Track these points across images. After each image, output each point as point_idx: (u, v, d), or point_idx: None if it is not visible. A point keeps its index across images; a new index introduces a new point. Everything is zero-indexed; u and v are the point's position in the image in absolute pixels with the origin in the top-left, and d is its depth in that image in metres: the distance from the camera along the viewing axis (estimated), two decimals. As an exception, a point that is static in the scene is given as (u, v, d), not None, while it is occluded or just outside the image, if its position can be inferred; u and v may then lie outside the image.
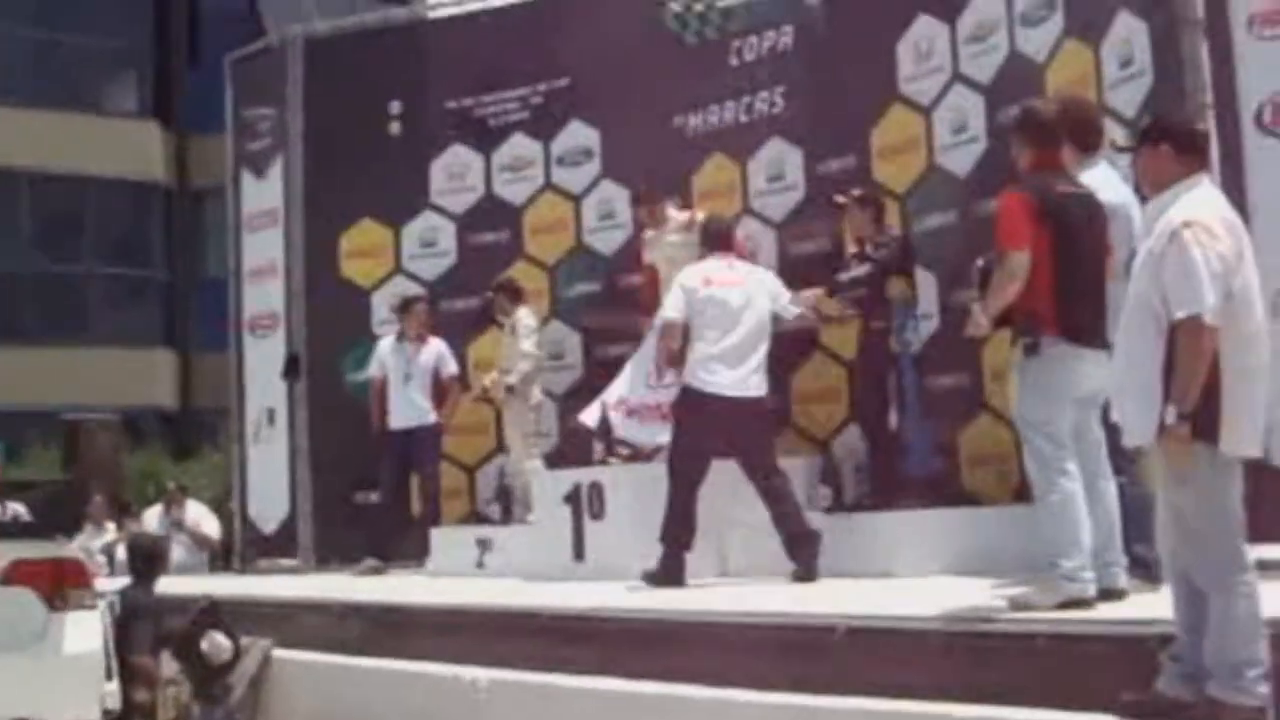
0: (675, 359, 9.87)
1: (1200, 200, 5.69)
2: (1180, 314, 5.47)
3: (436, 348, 12.92)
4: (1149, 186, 5.97)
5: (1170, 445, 5.47)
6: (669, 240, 11.22)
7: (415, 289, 13.63)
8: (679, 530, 9.49)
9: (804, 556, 9.28)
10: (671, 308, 9.84)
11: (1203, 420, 5.45)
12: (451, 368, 12.98)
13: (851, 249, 10.66)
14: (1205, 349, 5.44)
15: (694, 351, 9.69)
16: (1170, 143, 5.87)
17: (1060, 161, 7.30)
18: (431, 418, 12.73)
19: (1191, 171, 5.80)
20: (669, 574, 9.35)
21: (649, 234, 11.52)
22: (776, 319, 9.99)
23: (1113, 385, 6.11)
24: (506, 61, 13.57)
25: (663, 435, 10.56)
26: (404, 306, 13.01)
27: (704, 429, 9.64)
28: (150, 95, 32.55)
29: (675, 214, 11.33)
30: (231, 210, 15.16)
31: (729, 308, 9.70)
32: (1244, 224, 6.14)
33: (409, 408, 12.64)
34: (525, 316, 12.49)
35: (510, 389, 12.27)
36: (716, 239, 10.15)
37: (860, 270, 10.35)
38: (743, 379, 9.62)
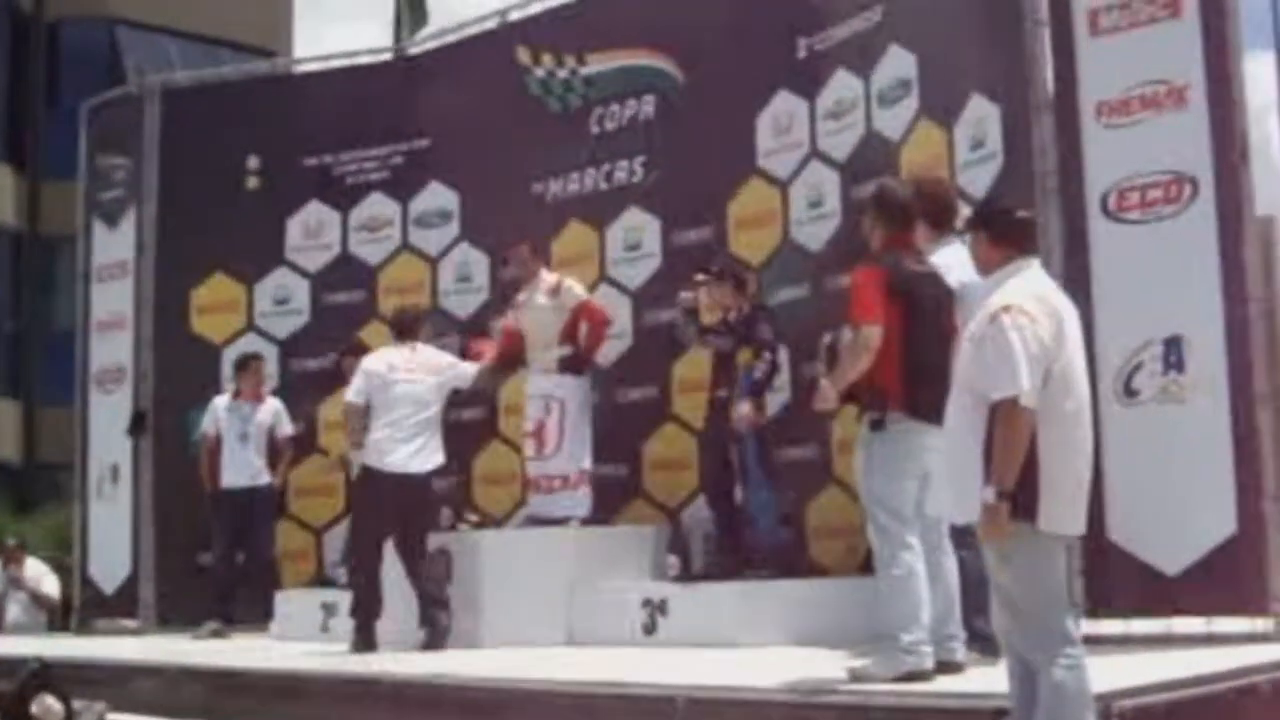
0: (358, 439, 10.54)
1: (1021, 285, 5.81)
2: (996, 395, 5.58)
3: (273, 406, 12.85)
4: (978, 270, 6.11)
5: (987, 524, 5.58)
6: (538, 304, 11.23)
7: (267, 346, 13.57)
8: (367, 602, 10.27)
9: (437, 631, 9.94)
10: (354, 392, 10.60)
11: (1021, 499, 5.55)
12: (287, 428, 12.90)
13: (717, 316, 10.69)
14: (1021, 430, 5.54)
15: (372, 432, 10.40)
16: (987, 230, 6.02)
17: (912, 240, 7.43)
18: (266, 478, 12.62)
19: (1011, 257, 5.92)
20: (365, 643, 10.07)
21: (522, 295, 11.41)
22: (458, 392, 10.96)
23: (941, 465, 6.24)
24: (367, 120, 13.59)
25: (568, 506, 10.81)
26: (242, 364, 12.89)
27: (377, 504, 10.36)
28: (3, 138, 31.98)
29: (546, 275, 11.33)
30: (81, 260, 14.86)
31: (406, 392, 10.44)
32: (1085, 308, 6.31)
33: (245, 467, 12.51)
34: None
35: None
36: (403, 327, 10.89)
37: (721, 342, 10.43)
38: (409, 457, 10.34)
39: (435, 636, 9.92)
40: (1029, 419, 5.55)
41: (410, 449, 10.37)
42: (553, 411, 11.00)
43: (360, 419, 10.54)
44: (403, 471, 10.32)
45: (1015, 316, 5.65)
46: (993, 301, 5.78)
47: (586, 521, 10.93)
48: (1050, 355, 5.63)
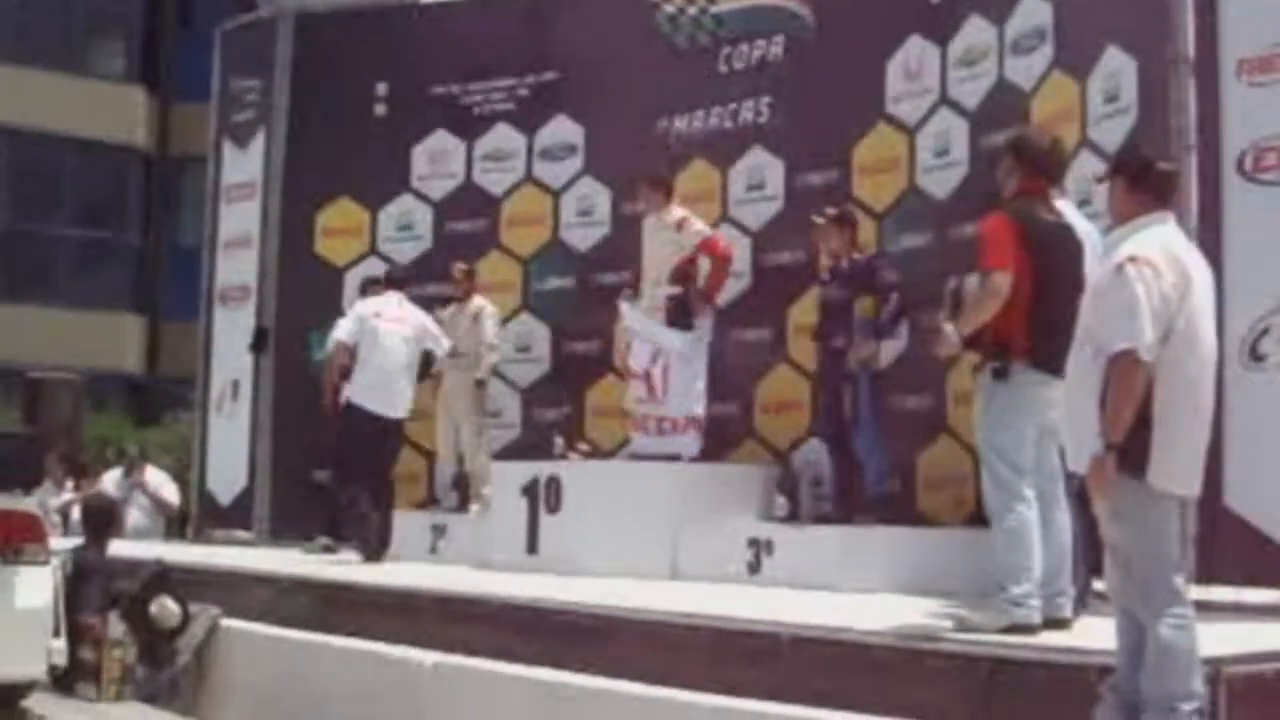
0: (344, 375, 11.52)
1: (1151, 237, 5.74)
2: (1116, 347, 5.52)
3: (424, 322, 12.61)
4: (1112, 219, 6.04)
5: (1095, 476, 5.52)
6: (659, 235, 11.24)
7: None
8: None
9: (374, 541, 11.18)
10: (346, 332, 11.57)
11: (1132, 454, 5.51)
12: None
13: (825, 264, 10.68)
14: (1135, 383, 5.49)
15: (357, 373, 11.38)
16: (1126, 178, 5.94)
17: (1046, 190, 7.33)
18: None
19: (1148, 209, 5.85)
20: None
21: (649, 220, 11.40)
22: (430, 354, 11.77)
23: (1060, 415, 6.18)
24: (496, 51, 13.57)
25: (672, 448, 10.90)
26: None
27: (358, 440, 11.34)
28: (137, 60, 32.36)
29: (675, 209, 11.29)
30: (210, 180, 15.11)
31: (391, 340, 11.45)
32: (1215, 269, 6.20)
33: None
34: (488, 304, 12.54)
35: (480, 383, 12.28)
36: (393, 281, 12.02)
37: (833, 289, 10.40)
38: (390, 402, 11.36)
39: (370, 553, 11.14)
40: (1145, 372, 5.49)
41: (389, 394, 11.41)
42: (659, 362, 11.04)
43: (347, 357, 11.49)
44: (381, 414, 11.38)
45: (1140, 268, 5.58)
46: (1120, 251, 5.71)
47: (698, 457, 10.95)
48: (1173, 310, 5.56)
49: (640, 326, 11.20)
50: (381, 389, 11.43)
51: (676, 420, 10.98)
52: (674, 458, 10.88)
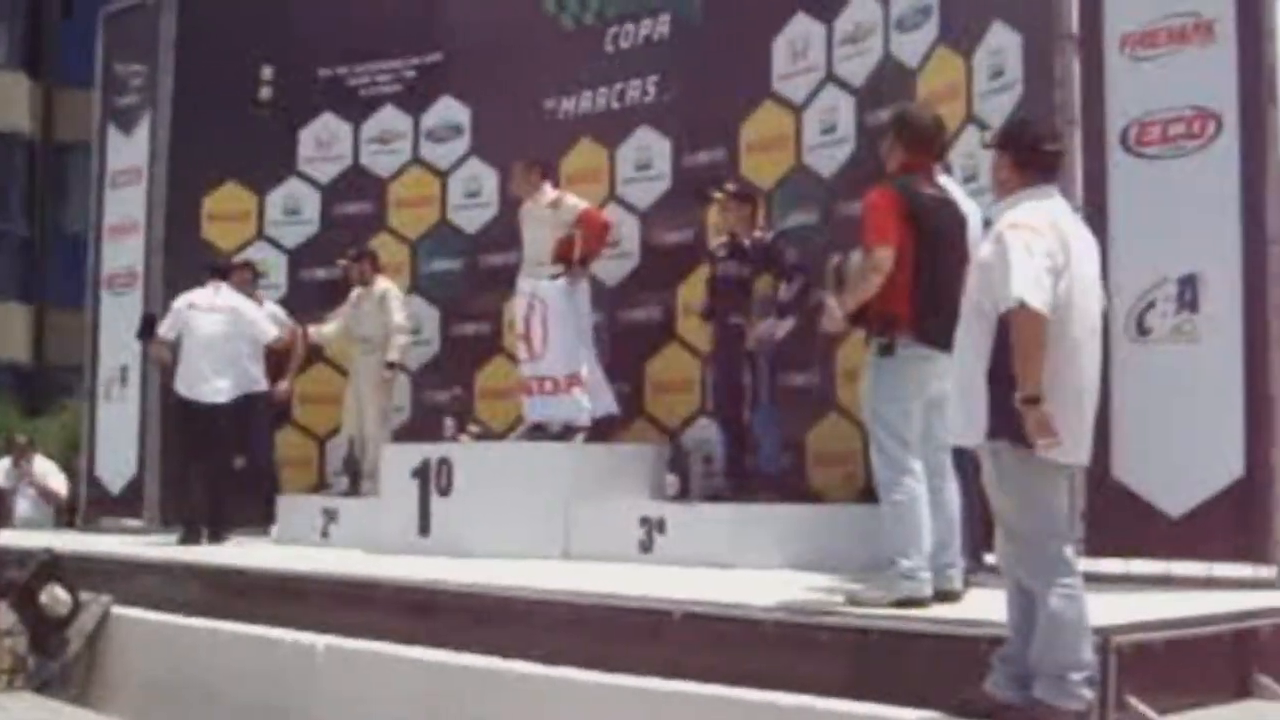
0: (166, 366, 12.10)
1: (1033, 209, 5.78)
2: (1006, 306, 5.55)
3: (269, 310, 12.83)
4: (996, 191, 6.08)
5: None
6: (536, 215, 11.23)
7: (276, 255, 13.68)
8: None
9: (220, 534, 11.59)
10: (165, 327, 11.94)
11: (1019, 425, 5.53)
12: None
13: (721, 241, 10.68)
14: (1033, 334, 5.51)
15: (179, 363, 11.78)
16: (1011, 151, 5.97)
17: (929, 166, 7.34)
18: (262, 385, 12.42)
19: (1031, 183, 5.89)
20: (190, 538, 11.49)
21: (526, 205, 11.40)
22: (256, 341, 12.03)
23: (947, 390, 6.22)
24: (381, 33, 13.47)
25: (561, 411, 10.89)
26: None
27: (183, 427, 11.92)
28: (19, 45, 31.91)
29: (548, 190, 11.28)
30: (96, 166, 14.91)
31: (205, 329, 11.74)
32: (1101, 243, 6.24)
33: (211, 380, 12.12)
34: (393, 286, 12.47)
35: (392, 365, 12.24)
36: (214, 271, 12.24)
37: (731, 266, 10.40)
38: (206, 389, 11.64)
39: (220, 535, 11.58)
40: (1040, 323, 5.51)
41: (207, 383, 11.71)
42: (536, 310, 11.04)
43: (167, 351, 11.94)
44: (198, 401, 11.69)
45: (1021, 232, 5.63)
46: (1000, 221, 5.76)
47: (591, 436, 10.92)
48: (1057, 274, 5.58)
49: (519, 288, 11.23)
50: (197, 377, 11.75)
51: (558, 379, 10.95)
52: (568, 427, 10.88)
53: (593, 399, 11.02)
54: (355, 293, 12.49)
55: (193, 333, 11.81)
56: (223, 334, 11.83)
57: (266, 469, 12.80)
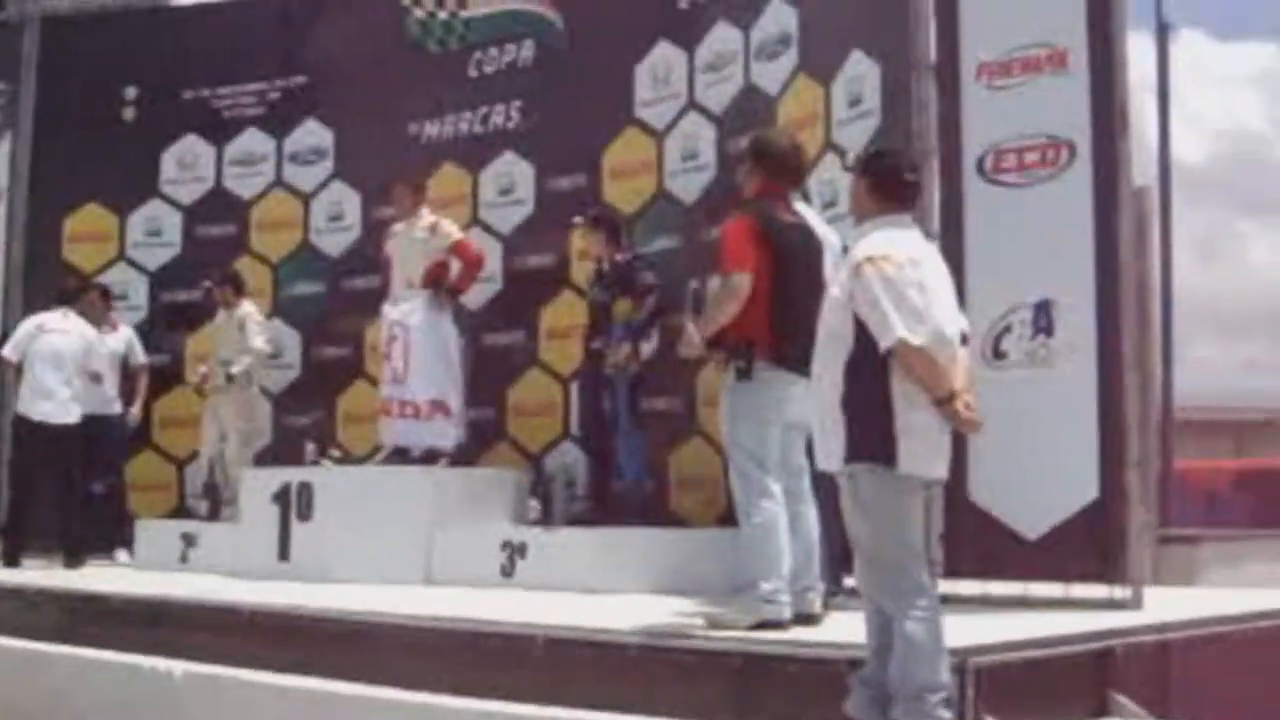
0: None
1: (888, 238, 5.86)
2: (888, 344, 5.63)
3: (125, 335, 12.79)
4: (853, 216, 6.16)
5: (960, 423, 5.72)
6: (412, 236, 11.17)
7: (137, 277, 13.50)
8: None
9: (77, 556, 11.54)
10: (9, 348, 11.94)
11: (876, 444, 5.63)
12: (141, 357, 12.87)
13: (591, 267, 10.71)
14: (922, 364, 5.63)
15: (24, 384, 11.80)
16: (869, 181, 6.05)
17: (786, 192, 7.41)
18: (117, 407, 12.47)
19: (888, 211, 5.97)
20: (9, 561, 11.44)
21: (398, 226, 11.36)
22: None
23: (805, 415, 6.28)
24: (246, 55, 13.35)
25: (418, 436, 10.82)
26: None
27: (25, 449, 11.86)
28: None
29: (426, 213, 11.24)
30: (-46, 185, 14.62)
31: (51, 350, 11.77)
32: (957, 269, 6.32)
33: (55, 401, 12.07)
34: (254, 310, 12.37)
35: (230, 378, 12.14)
36: (62, 295, 12.24)
37: (595, 291, 10.47)
38: (51, 410, 11.69)
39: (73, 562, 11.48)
40: (925, 354, 5.63)
41: (50, 402, 11.73)
42: (398, 338, 10.98)
43: (11, 373, 12.02)
44: (42, 421, 11.70)
45: (879, 265, 5.70)
46: (856, 253, 5.84)
47: (453, 461, 10.89)
48: (914, 299, 5.67)
49: (386, 316, 11.16)
50: (42, 397, 11.75)
51: (419, 404, 10.88)
52: (431, 453, 10.83)
53: (454, 428, 10.97)
54: (219, 317, 12.44)
55: (42, 354, 11.80)
56: (71, 356, 11.82)
57: (115, 493, 12.59)
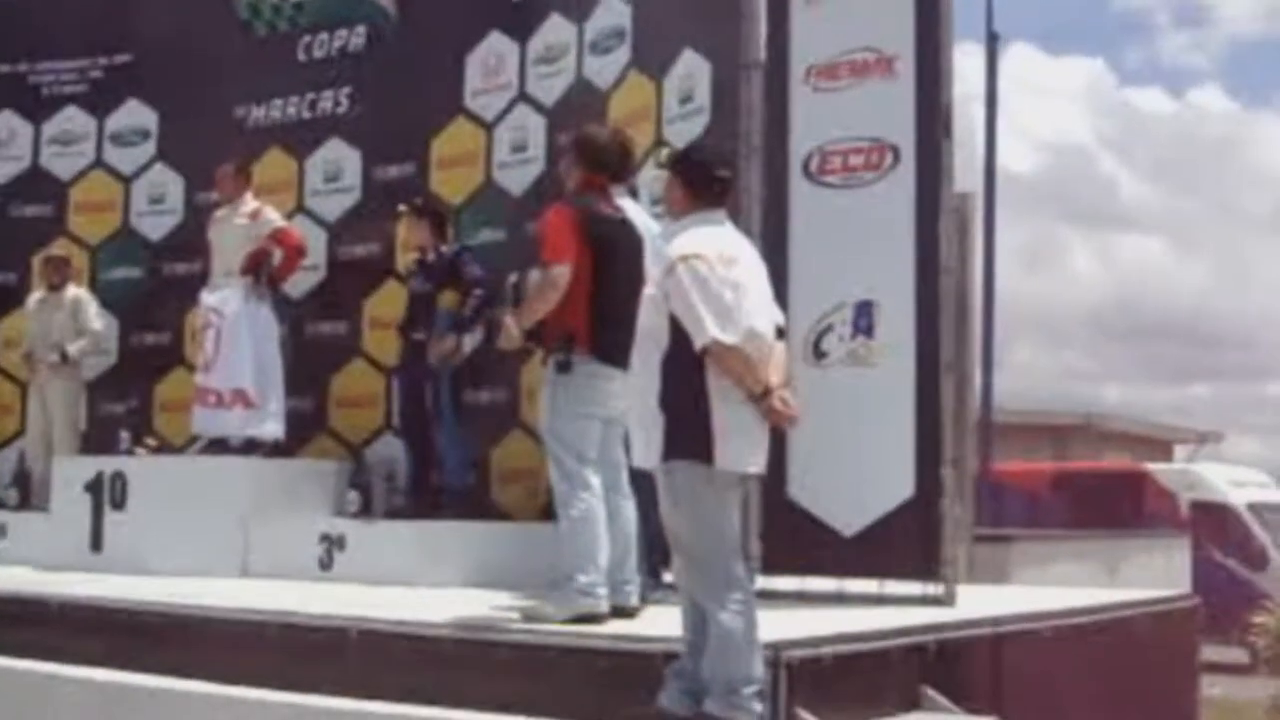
0: None
1: (702, 235, 5.90)
2: (699, 345, 5.68)
3: None
4: (668, 213, 6.22)
5: (775, 417, 5.76)
6: (233, 223, 11.02)
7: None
8: None
9: None
10: None
11: (693, 440, 5.68)
12: None
13: (413, 257, 10.63)
14: (736, 364, 5.68)
15: None
16: (682, 178, 6.09)
17: (607, 185, 7.43)
18: None
19: (701, 208, 6.01)
20: None
21: (220, 212, 11.19)
22: None
23: (624, 409, 6.31)
24: (67, 29, 13.02)
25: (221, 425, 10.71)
26: None
27: None
28: None
29: (250, 199, 11.11)
30: None
31: None
32: (781, 267, 6.36)
33: None
34: (85, 293, 12.13)
35: (65, 358, 11.86)
36: None
37: (417, 282, 10.40)
38: None
39: None
40: (738, 352, 5.68)
41: None
42: (212, 325, 10.85)
43: None
44: None
45: (691, 263, 5.75)
46: (670, 250, 5.89)
47: (272, 451, 10.77)
48: (728, 298, 5.71)
49: (203, 302, 11.02)
50: None
51: (222, 393, 10.74)
52: (251, 443, 10.71)
53: (262, 421, 10.81)
54: (36, 296, 12.11)
55: None
56: None
57: None
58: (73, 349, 11.89)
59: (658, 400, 5.77)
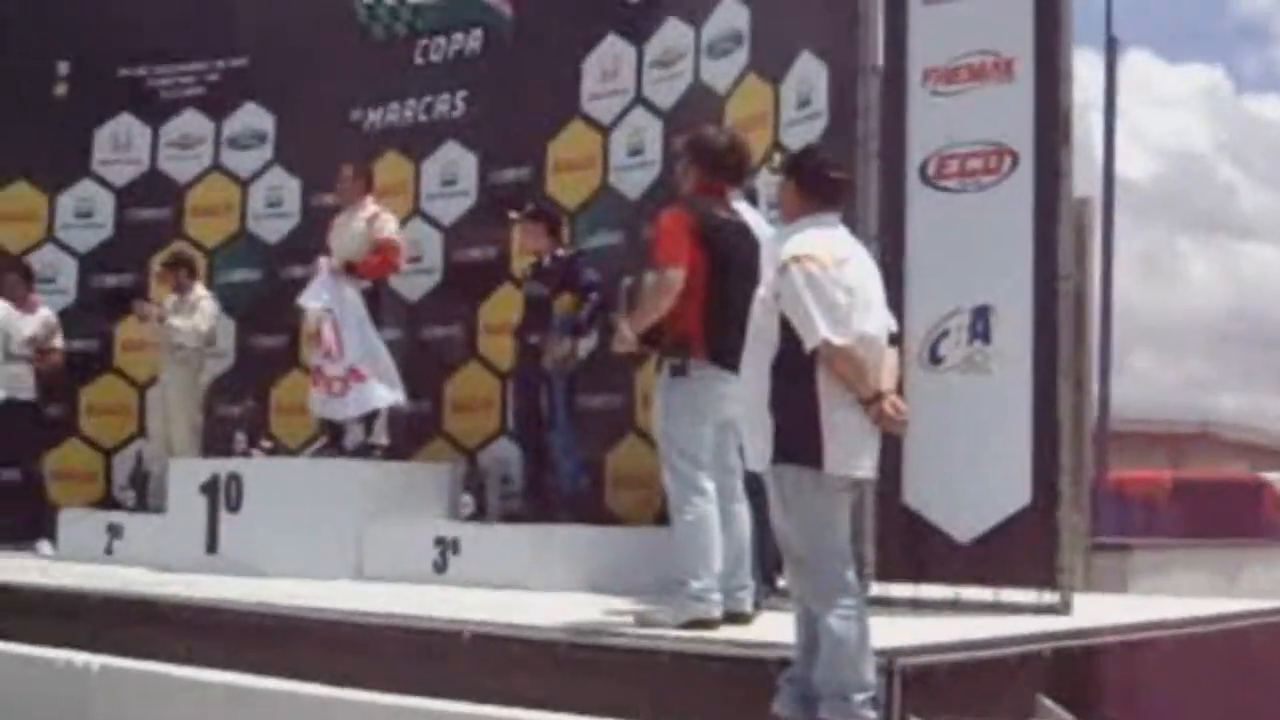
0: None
1: (815, 236, 5.84)
2: (813, 344, 5.62)
3: (42, 317, 12.52)
4: (782, 217, 6.16)
5: (886, 423, 5.70)
6: (352, 228, 11.04)
7: (66, 259, 13.28)
8: None
9: None
10: None
11: (802, 445, 5.62)
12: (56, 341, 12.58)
13: (529, 261, 10.65)
14: (847, 364, 5.63)
15: None
16: (796, 180, 6.04)
17: (723, 189, 7.35)
18: (30, 392, 12.25)
19: (814, 210, 5.96)
20: None
21: (341, 217, 11.20)
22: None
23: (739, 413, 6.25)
24: (186, 34, 13.17)
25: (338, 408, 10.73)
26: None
27: None
28: None
29: (370, 203, 11.12)
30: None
31: None
32: (897, 272, 6.29)
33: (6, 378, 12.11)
34: (207, 294, 12.24)
35: (178, 348, 11.97)
36: None
37: (534, 286, 10.40)
38: None
39: None
40: (850, 353, 5.62)
41: None
42: (326, 320, 10.78)
43: None
44: None
45: (804, 265, 5.70)
46: (782, 252, 5.82)
47: (387, 454, 10.81)
48: (839, 299, 5.66)
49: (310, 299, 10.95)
50: None
51: (345, 379, 10.71)
52: (366, 446, 10.76)
53: (376, 390, 10.76)
54: (171, 300, 12.19)
55: None
56: None
57: (31, 482, 12.37)
58: (191, 340, 11.99)
59: (768, 403, 5.73)
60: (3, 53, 13.32)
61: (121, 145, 13.37)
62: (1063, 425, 8.06)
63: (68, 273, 13.28)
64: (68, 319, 12.73)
